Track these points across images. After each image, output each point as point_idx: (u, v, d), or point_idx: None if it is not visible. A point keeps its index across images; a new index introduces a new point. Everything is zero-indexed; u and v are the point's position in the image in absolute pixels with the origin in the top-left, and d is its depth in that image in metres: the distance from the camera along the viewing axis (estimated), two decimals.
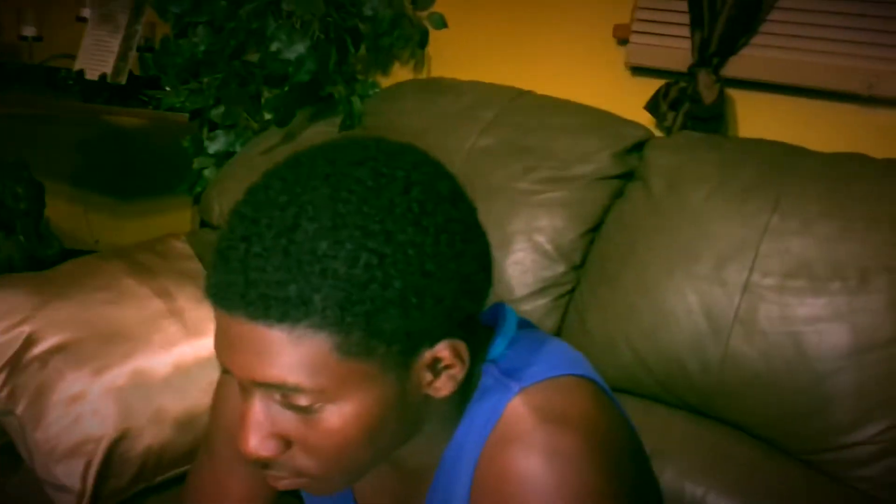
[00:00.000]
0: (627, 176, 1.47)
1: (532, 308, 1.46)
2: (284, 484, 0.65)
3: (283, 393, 0.59)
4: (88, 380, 1.12)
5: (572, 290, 1.47)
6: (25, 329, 1.14)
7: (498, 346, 0.70)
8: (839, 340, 1.20)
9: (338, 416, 0.59)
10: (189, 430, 1.16)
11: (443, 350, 0.61)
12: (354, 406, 0.59)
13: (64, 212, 2.18)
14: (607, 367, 1.38)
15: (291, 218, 0.57)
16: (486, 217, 1.49)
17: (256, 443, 0.61)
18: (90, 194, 2.35)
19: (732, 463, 1.25)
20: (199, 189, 1.85)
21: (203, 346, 1.22)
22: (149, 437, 1.13)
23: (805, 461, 1.24)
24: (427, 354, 0.61)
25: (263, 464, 0.63)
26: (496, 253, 1.42)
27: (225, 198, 1.69)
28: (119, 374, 1.13)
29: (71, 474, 1.06)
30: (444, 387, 0.63)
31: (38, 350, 1.13)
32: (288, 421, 0.61)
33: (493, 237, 1.43)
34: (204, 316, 1.26)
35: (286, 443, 0.61)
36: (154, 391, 1.15)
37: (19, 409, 1.11)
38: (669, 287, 1.32)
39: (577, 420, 0.63)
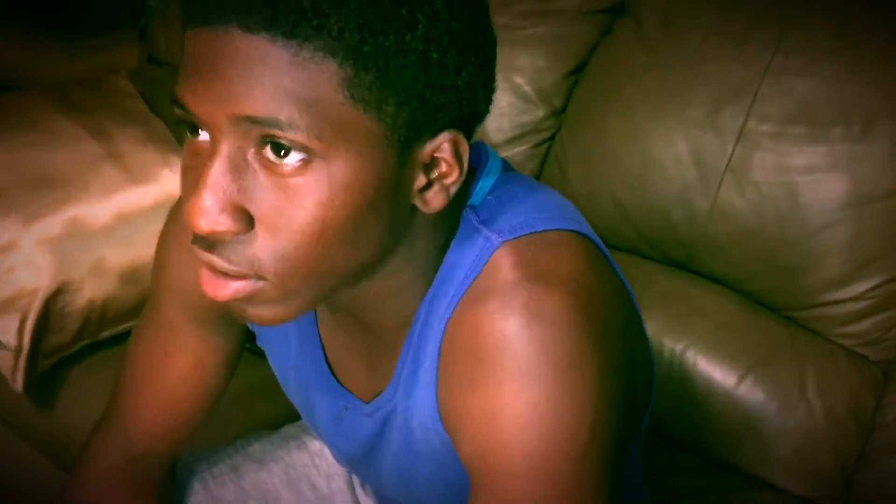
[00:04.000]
0: (617, 10, 1.33)
1: (508, 156, 1.36)
2: (229, 289, 0.52)
3: (268, 133, 0.48)
4: (19, 229, 1.01)
5: (552, 137, 1.37)
6: None
7: (479, 191, 0.61)
8: (836, 191, 1.12)
9: (325, 179, 0.49)
10: (135, 283, 1.07)
11: (444, 142, 0.53)
12: (345, 171, 0.50)
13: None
14: (587, 219, 1.31)
15: None
16: None
17: (214, 210, 0.49)
18: (28, 29, 2.15)
19: (714, 318, 1.20)
20: (144, 21, 1.68)
21: (147, 193, 1.11)
22: (90, 291, 1.04)
23: (790, 318, 1.19)
24: (428, 147, 0.53)
25: (209, 244, 0.51)
26: None
27: (172, 29, 1.53)
28: (53, 223, 1.03)
29: (6, 330, 0.98)
30: (434, 198, 0.55)
31: None
32: (257, 188, 0.50)
33: None
34: (148, 161, 1.15)
35: (248, 220, 0.50)
36: (93, 242, 1.05)
37: None
38: (658, 133, 1.22)
39: (565, 280, 0.55)
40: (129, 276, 1.07)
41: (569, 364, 0.53)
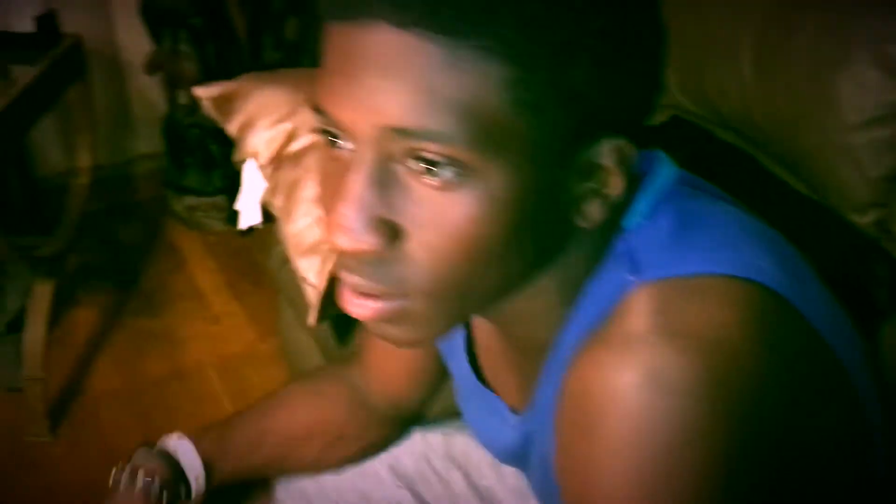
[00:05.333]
0: None
1: (865, 142, 1.13)
2: (372, 309, 0.48)
3: (419, 146, 0.43)
4: None
5: None
6: (288, 125, 1.18)
7: (637, 209, 0.53)
8: None
9: (481, 194, 0.44)
10: None
11: (607, 148, 0.47)
12: (502, 184, 0.44)
13: None
14: None
15: None
16: (816, 14, 1.17)
17: (357, 227, 0.44)
18: None
19: None
20: None
21: None
22: None
23: None
24: (589, 153, 0.47)
25: (350, 262, 0.47)
26: (826, 65, 1.11)
27: None
28: None
29: (310, 269, 1.11)
30: (594, 211, 0.49)
31: (295, 146, 1.17)
32: (406, 202, 0.45)
33: (824, 45, 1.12)
34: None
35: (394, 236, 0.45)
36: None
37: (278, 202, 1.17)
38: None
39: (703, 339, 0.45)
40: None
41: (684, 440, 0.43)
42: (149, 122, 2.43)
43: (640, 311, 0.47)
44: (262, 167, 1.19)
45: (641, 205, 0.52)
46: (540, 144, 0.44)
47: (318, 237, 1.12)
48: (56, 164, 2.35)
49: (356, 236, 0.45)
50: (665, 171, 0.54)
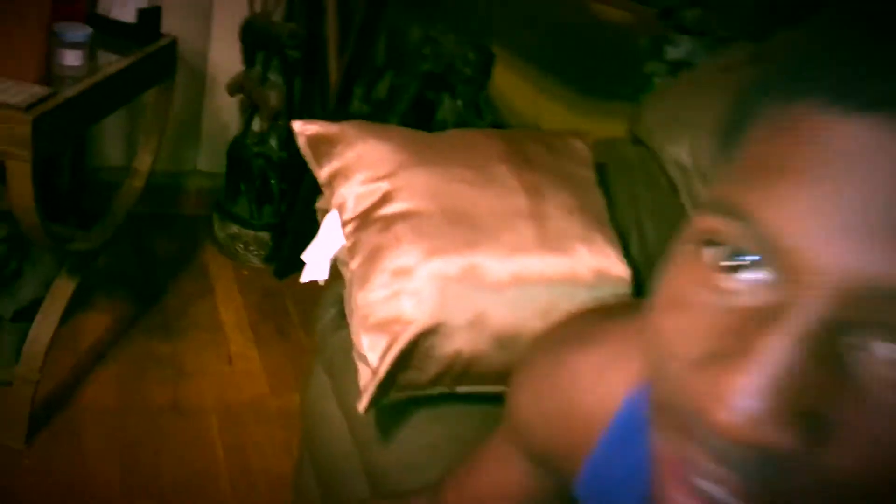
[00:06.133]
0: None
1: None
2: None
3: None
4: (420, 257, 1.02)
5: None
6: (384, 186, 1.07)
7: None
8: None
9: None
10: (507, 348, 1.01)
11: None
12: None
13: (516, 87, 2.14)
14: None
15: None
16: None
17: (772, 412, 0.31)
18: (545, 76, 2.27)
19: None
20: (641, 97, 1.64)
21: (554, 264, 1.04)
22: (461, 340, 1.00)
23: None
24: None
25: (723, 454, 0.33)
26: None
27: (660, 112, 1.46)
28: (452, 263, 1.01)
29: (373, 348, 0.99)
30: None
31: (386, 210, 1.06)
32: (842, 393, 0.32)
33: None
34: (567, 231, 1.07)
35: (817, 435, 0.32)
36: (482, 293, 1.01)
37: (354, 264, 1.05)
38: None
39: None
40: (505, 340, 1.01)
41: None
42: (215, 141, 2.34)
43: None
44: (345, 222, 1.08)
45: None
46: None
47: (390, 314, 0.99)
48: (111, 158, 2.26)
49: (766, 427, 0.31)
50: None
